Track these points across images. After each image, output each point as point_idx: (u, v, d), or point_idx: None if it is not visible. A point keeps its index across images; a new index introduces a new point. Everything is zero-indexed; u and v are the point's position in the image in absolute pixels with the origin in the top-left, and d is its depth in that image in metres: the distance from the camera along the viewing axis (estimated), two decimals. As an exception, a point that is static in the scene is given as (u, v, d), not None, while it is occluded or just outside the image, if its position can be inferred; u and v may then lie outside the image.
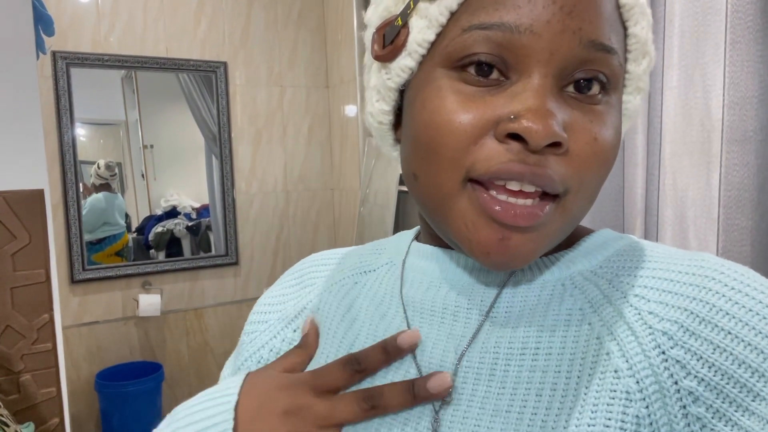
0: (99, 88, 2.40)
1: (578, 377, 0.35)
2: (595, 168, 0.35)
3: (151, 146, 2.50)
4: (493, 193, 0.34)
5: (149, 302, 2.38)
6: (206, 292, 2.61)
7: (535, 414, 0.35)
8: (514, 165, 0.33)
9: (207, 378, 2.62)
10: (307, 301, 0.50)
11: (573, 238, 0.42)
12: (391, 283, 0.46)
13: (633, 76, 0.38)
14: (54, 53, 2.20)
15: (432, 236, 0.45)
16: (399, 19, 0.38)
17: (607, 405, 0.33)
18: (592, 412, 0.33)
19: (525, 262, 0.36)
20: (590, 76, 0.34)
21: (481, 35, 0.34)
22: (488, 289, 0.41)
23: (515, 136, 0.33)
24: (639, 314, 0.35)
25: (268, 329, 0.51)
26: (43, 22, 1.09)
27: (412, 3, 0.37)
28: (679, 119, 1.00)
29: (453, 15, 0.35)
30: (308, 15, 2.77)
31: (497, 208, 0.34)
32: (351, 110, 2.66)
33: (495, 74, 0.34)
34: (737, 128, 0.93)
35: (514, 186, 0.34)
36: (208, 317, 2.62)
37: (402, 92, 0.40)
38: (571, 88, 0.35)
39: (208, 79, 2.53)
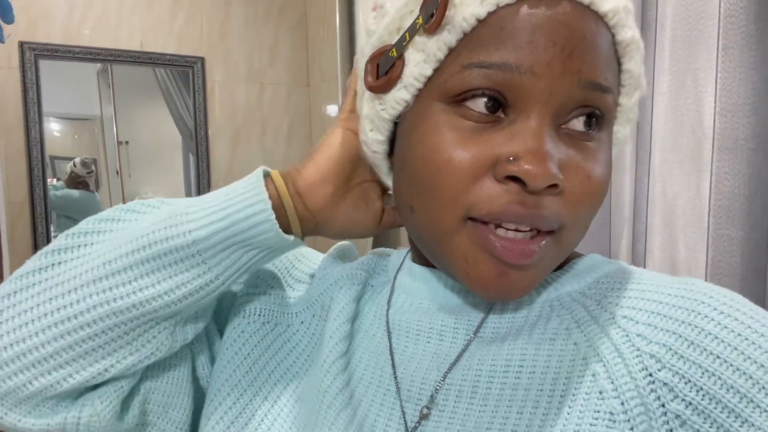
0: (74, 81, 2.33)
1: (561, 396, 0.35)
2: (589, 204, 0.36)
3: (127, 142, 2.43)
4: (492, 228, 0.35)
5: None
6: (180, 294, 2.55)
7: (516, 431, 0.35)
8: (513, 207, 0.33)
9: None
10: (325, 297, 0.49)
11: (563, 262, 0.42)
12: (382, 303, 0.46)
13: (624, 109, 0.39)
14: (21, 44, 2.11)
15: (422, 257, 0.45)
16: (394, 50, 0.37)
17: (590, 426, 0.33)
18: None
19: (521, 295, 0.37)
20: (586, 113, 0.35)
21: (482, 73, 0.34)
22: (476, 310, 0.41)
23: (514, 178, 0.33)
24: (627, 336, 0.36)
25: (297, 299, 0.50)
26: (0, 8, 1.02)
27: (408, 36, 0.36)
28: (669, 126, 0.98)
29: (451, 51, 0.35)
30: (289, 12, 2.71)
31: (498, 245, 0.34)
32: (332, 110, 2.62)
33: (494, 110, 0.34)
34: (728, 136, 0.91)
35: (511, 226, 0.35)
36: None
37: (395, 122, 0.40)
38: (566, 127, 0.35)
39: (185, 75, 2.46)
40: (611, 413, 0.33)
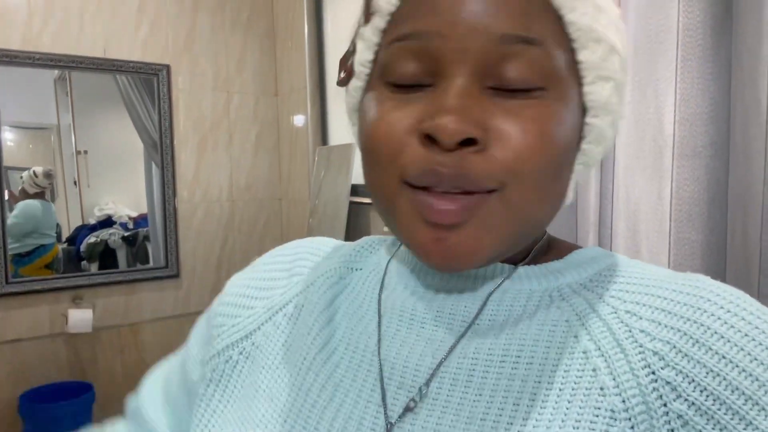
0: (29, 89, 2.24)
1: (560, 390, 0.34)
2: (529, 160, 0.34)
3: (85, 152, 2.34)
4: (423, 195, 0.35)
5: (80, 318, 2.22)
6: (143, 307, 2.47)
7: (511, 423, 0.34)
8: (435, 168, 0.33)
9: (143, 397, 2.48)
10: (294, 292, 0.48)
11: (562, 251, 0.43)
12: (372, 285, 0.45)
13: (588, 65, 0.36)
14: (-22, 49, 2.04)
15: None
16: (351, 46, 0.41)
17: (590, 423, 0.33)
18: (574, 428, 0.33)
19: (471, 261, 0.35)
20: (518, 72, 0.34)
21: (401, 47, 0.36)
22: (474, 297, 0.40)
23: (432, 138, 0.33)
24: (630, 332, 0.35)
25: (253, 316, 0.48)
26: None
27: (357, 30, 0.40)
28: (632, 134, 1.02)
29: (384, 33, 0.37)
30: (257, 21, 2.70)
31: (426, 207, 0.34)
32: (300, 119, 2.61)
33: (420, 81, 0.35)
34: (688, 144, 0.95)
35: (438, 188, 0.34)
36: (144, 333, 2.48)
37: None
38: (503, 88, 0.34)
39: (149, 83, 2.41)
40: (612, 410, 0.33)
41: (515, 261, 0.41)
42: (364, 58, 0.39)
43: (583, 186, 1.10)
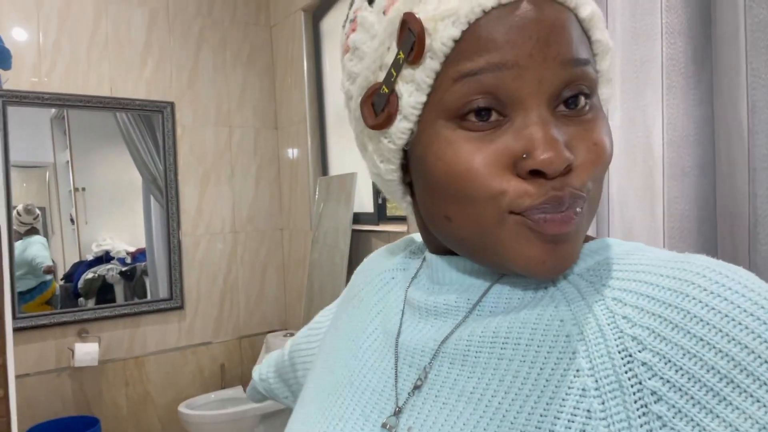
0: (24, 128, 2.25)
1: (540, 369, 0.37)
2: (601, 166, 0.38)
3: (83, 189, 2.39)
4: (540, 215, 0.37)
5: (86, 351, 2.24)
6: (148, 339, 2.49)
7: (494, 397, 0.38)
8: (550, 195, 0.36)
9: (147, 431, 2.47)
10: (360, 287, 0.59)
11: None
12: (406, 283, 0.52)
13: (602, 73, 0.42)
14: (-10, 90, 2.11)
15: (436, 246, 0.49)
16: (384, 87, 0.40)
17: (562, 400, 0.35)
18: (547, 404, 0.36)
19: (569, 264, 0.39)
20: (576, 91, 0.37)
21: (473, 81, 0.36)
22: (478, 289, 0.44)
23: (535, 171, 0.36)
24: (613, 317, 0.37)
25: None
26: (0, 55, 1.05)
27: (394, 71, 0.39)
28: (623, 156, 1.08)
29: (438, 74, 0.37)
30: (258, 58, 2.80)
31: (542, 222, 0.37)
32: (301, 151, 2.68)
33: (494, 116, 0.37)
34: (676, 164, 1.01)
35: (557, 210, 0.37)
36: (149, 366, 2.49)
37: (404, 150, 0.43)
38: (561, 107, 0.38)
39: (148, 119, 2.47)
40: (583, 389, 0.35)
41: None
42: (416, 100, 0.39)
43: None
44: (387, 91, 0.40)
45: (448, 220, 0.41)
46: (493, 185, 0.37)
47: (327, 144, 2.64)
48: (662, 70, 1.01)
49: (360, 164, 2.33)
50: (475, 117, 0.37)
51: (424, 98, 0.38)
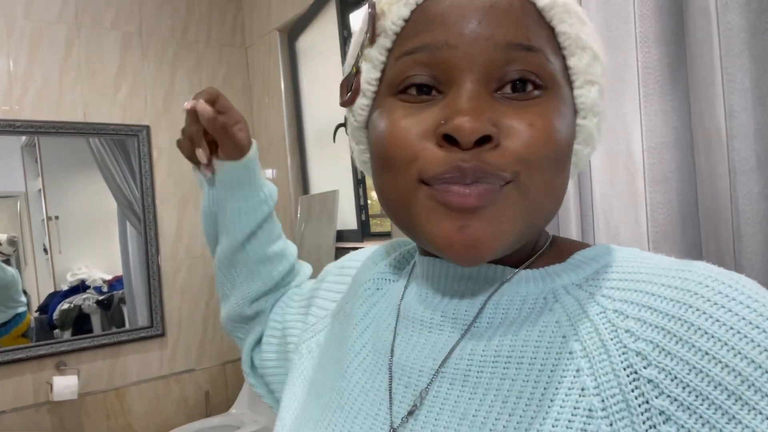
0: None
1: (545, 388, 0.36)
2: (538, 152, 0.37)
3: (56, 217, 2.32)
4: (445, 186, 0.37)
5: (65, 385, 2.17)
6: (129, 369, 2.42)
7: (498, 420, 0.36)
8: (458, 164, 0.36)
9: (131, 464, 2.39)
10: (345, 300, 0.56)
11: (565, 253, 0.44)
12: (398, 294, 0.49)
13: (577, 71, 0.40)
14: (-42, 119, 2.05)
15: (424, 249, 0.48)
16: (354, 68, 0.43)
17: (568, 421, 0.34)
18: (553, 426, 0.34)
19: (490, 248, 0.37)
20: (520, 76, 0.38)
21: (410, 59, 0.39)
22: (474, 300, 0.42)
23: (449, 139, 0.36)
24: (615, 331, 0.35)
25: (322, 321, 0.59)
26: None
27: (360, 52, 0.43)
28: (605, 164, 1.09)
29: (390, 52, 0.41)
30: (233, 79, 2.78)
31: (449, 195, 0.36)
32: (280, 171, 2.66)
33: (434, 93, 0.39)
34: (657, 170, 1.02)
35: (457, 185, 0.37)
36: (131, 396, 2.42)
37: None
38: (508, 90, 0.38)
39: (122, 144, 2.43)
40: (590, 410, 0.34)
41: (517, 264, 0.43)
42: (371, 76, 0.42)
43: (564, 216, 1.16)
44: (355, 71, 0.43)
45: (380, 193, 0.42)
46: (408, 149, 0.38)
47: (307, 162, 2.63)
48: (638, 78, 1.02)
49: (342, 181, 2.32)
50: (416, 92, 0.39)
51: (377, 74, 0.41)
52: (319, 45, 2.44)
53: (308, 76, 2.56)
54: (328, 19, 2.34)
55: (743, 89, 0.88)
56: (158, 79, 2.55)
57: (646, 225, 1.03)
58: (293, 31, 2.59)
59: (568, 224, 1.16)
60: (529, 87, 0.38)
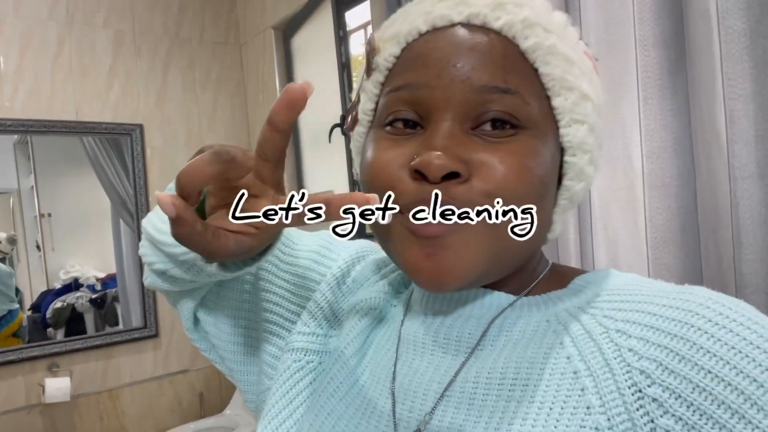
0: None
1: (550, 408, 0.36)
2: (507, 186, 0.38)
3: (49, 215, 2.29)
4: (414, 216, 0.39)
5: (57, 386, 2.14)
6: (122, 370, 2.40)
7: None
8: (424, 197, 0.38)
9: (125, 466, 2.37)
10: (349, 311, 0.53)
11: (565, 279, 0.45)
12: (399, 318, 0.50)
13: (563, 110, 0.41)
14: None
15: None
16: (356, 98, 0.47)
17: None
18: None
19: (456, 277, 0.39)
20: (495, 116, 0.39)
21: (396, 96, 0.41)
22: (477, 324, 0.43)
23: (420, 173, 0.38)
24: (618, 351, 0.36)
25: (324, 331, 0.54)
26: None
27: (361, 84, 0.46)
28: (604, 169, 1.08)
29: (382, 85, 0.43)
30: (227, 77, 2.76)
31: (417, 226, 0.38)
32: (275, 170, 2.64)
33: (412, 126, 0.41)
34: (656, 176, 1.01)
35: (427, 214, 0.38)
36: (124, 398, 2.40)
37: None
38: (487, 128, 0.39)
39: (116, 142, 2.40)
40: (596, 428, 0.34)
41: (517, 291, 0.44)
42: (366, 107, 0.45)
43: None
44: (356, 101, 0.47)
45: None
46: (386, 179, 0.40)
47: (302, 162, 2.61)
48: (638, 81, 1.01)
49: (337, 182, 2.31)
50: (402, 125, 0.41)
51: (372, 105, 0.45)
52: (315, 43, 2.42)
53: (303, 74, 2.54)
54: (324, 17, 2.32)
55: (744, 94, 0.87)
56: (151, 77, 2.52)
57: (645, 230, 1.02)
58: (288, 29, 2.57)
59: (566, 229, 1.15)
60: (507, 126, 0.39)
